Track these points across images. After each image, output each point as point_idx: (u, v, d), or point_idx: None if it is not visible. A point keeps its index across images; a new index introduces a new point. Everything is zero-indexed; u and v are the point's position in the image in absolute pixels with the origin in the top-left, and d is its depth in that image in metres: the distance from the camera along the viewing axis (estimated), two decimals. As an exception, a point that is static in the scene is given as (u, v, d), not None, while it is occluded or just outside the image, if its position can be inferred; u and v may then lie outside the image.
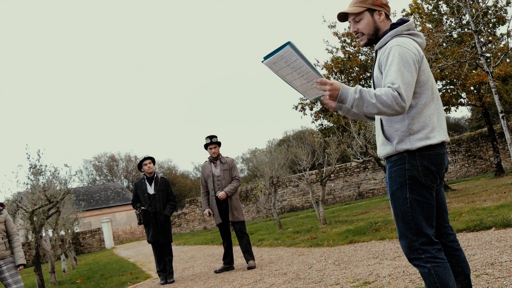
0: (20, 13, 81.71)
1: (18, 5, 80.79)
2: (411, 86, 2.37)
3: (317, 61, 18.92)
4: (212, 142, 7.41)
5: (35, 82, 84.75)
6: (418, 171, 2.46)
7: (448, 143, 2.60)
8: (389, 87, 2.34)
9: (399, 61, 2.38)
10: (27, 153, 9.11)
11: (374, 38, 2.63)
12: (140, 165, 7.70)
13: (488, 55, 13.53)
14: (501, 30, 17.82)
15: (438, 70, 14.95)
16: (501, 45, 16.30)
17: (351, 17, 2.64)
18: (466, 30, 14.88)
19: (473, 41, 12.51)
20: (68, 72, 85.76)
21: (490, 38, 15.55)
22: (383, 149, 2.59)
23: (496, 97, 10.84)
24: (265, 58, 2.47)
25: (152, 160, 7.73)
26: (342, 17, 2.67)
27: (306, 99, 14.51)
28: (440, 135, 2.49)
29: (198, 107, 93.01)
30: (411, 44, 2.47)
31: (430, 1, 17.53)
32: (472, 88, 17.42)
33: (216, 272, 7.32)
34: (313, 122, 19.43)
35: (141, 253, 17.00)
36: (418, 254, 2.46)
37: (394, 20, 2.74)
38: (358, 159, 11.10)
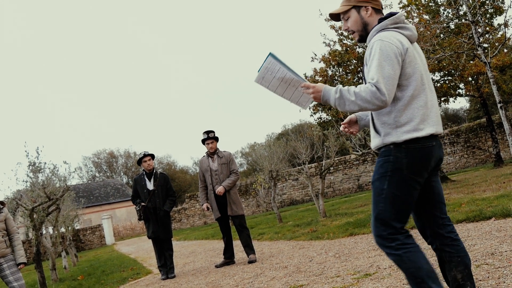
0: (17, 10, 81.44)
1: (17, 3, 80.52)
2: (393, 79, 2.38)
3: (315, 54, 18.89)
4: (209, 137, 7.39)
5: (33, 79, 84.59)
6: (401, 163, 2.46)
7: (440, 134, 2.62)
8: (369, 82, 2.38)
9: (380, 56, 2.41)
10: (26, 151, 9.09)
11: (365, 33, 2.66)
12: (139, 161, 7.72)
13: (485, 45, 13.50)
14: (498, 20, 17.75)
15: (436, 61, 14.94)
16: (499, 35, 16.28)
17: (341, 16, 2.71)
18: (463, 21, 14.83)
19: (471, 32, 12.49)
20: (66, 68, 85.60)
21: (487, 28, 15.51)
22: (373, 142, 2.63)
23: (494, 88, 10.84)
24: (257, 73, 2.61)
25: (152, 156, 7.74)
26: (335, 17, 2.74)
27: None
28: (430, 127, 2.48)
29: (197, 102, 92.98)
30: (393, 37, 2.47)
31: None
32: (470, 78, 17.41)
33: (216, 266, 7.32)
34: (311, 115, 19.44)
35: (142, 249, 17.03)
36: (388, 242, 2.48)
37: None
38: (357, 151, 11.12)
